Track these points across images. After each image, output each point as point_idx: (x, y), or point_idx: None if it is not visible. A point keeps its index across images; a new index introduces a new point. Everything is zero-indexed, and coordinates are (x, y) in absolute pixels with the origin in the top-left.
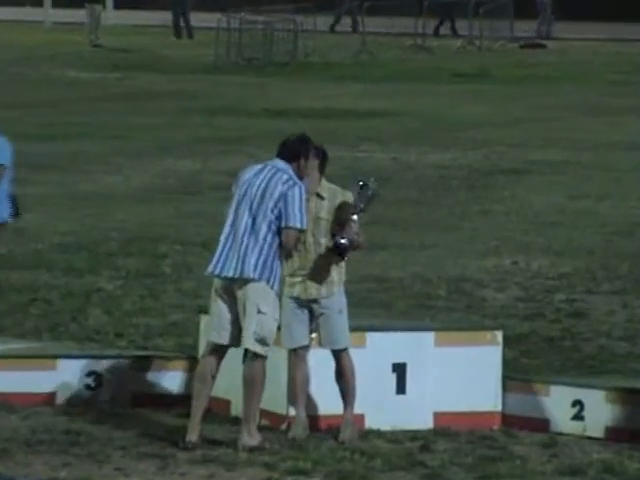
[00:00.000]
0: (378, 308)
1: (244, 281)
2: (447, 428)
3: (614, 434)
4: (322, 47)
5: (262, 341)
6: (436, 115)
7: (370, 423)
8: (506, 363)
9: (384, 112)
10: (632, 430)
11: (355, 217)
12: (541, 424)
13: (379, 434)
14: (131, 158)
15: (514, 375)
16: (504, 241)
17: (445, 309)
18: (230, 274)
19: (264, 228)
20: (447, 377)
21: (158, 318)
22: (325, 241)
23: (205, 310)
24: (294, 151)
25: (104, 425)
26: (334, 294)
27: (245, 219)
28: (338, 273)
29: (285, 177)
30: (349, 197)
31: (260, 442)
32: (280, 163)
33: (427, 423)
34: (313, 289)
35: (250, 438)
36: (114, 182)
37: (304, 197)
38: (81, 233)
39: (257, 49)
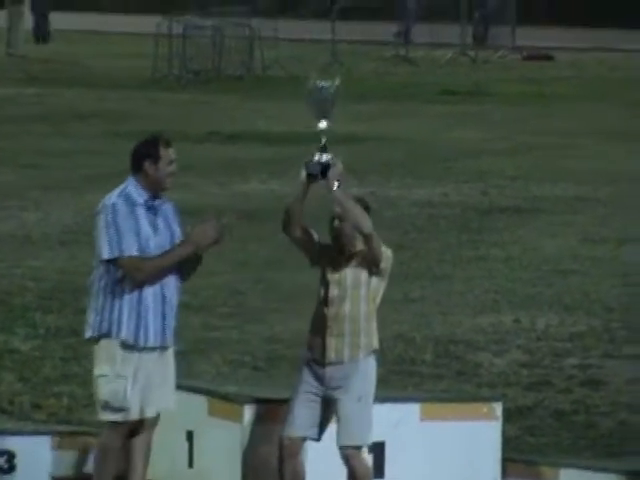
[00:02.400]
0: None
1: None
2: None
3: None
4: (284, 58)
5: (106, 406)
6: (422, 141)
7: None
8: (507, 442)
9: (359, 137)
10: None
11: (323, 125)
12: None
13: None
14: (50, 191)
15: (516, 456)
16: (504, 294)
17: (432, 376)
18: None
19: (94, 274)
20: (435, 458)
21: (84, 386)
22: (351, 293)
23: None
24: (136, 158)
25: None
26: (359, 360)
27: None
28: (366, 333)
29: (98, 208)
30: (388, 255)
31: None
32: (122, 186)
33: None
34: (332, 352)
35: None
36: (30, 220)
37: (110, 217)
38: None
39: (205, 60)
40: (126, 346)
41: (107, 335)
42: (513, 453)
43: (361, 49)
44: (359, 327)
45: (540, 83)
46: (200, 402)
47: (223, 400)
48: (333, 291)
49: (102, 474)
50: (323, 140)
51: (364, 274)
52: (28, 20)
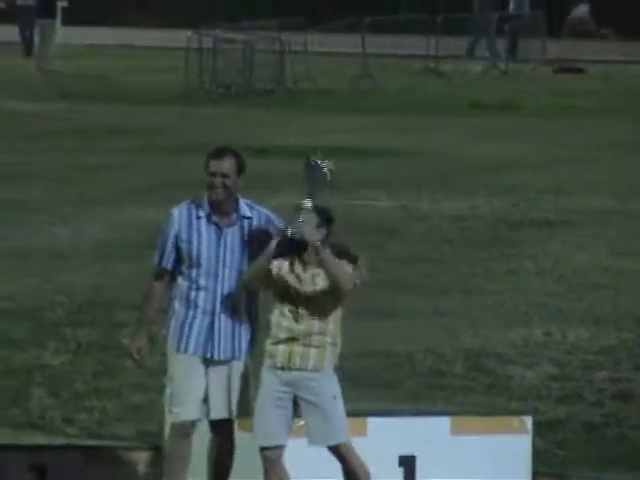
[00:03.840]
0: (382, 389)
1: None
2: None
3: None
4: (314, 72)
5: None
6: (452, 155)
7: None
8: (537, 455)
9: (389, 151)
10: None
11: (308, 204)
12: None
13: None
14: (82, 206)
15: (547, 470)
16: (535, 308)
17: (463, 390)
18: None
19: None
20: (465, 472)
21: (115, 400)
22: (320, 312)
23: None
24: None
25: None
26: (323, 369)
27: None
28: (332, 347)
29: None
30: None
31: None
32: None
33: None
34: (298, 357)
35: None
36: (61, 235)
37: (163, 225)
38: (21, 297)
39: (235, 74)
40: (174, 350)
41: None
42: (544, 467)
43: (391, 62)
44: (325, 341)
45: (571, 96)
46: None
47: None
48: (302, 309)
49: (170, 477)
50: (301, 217)
51: (331, 297)
52: (59, 35)
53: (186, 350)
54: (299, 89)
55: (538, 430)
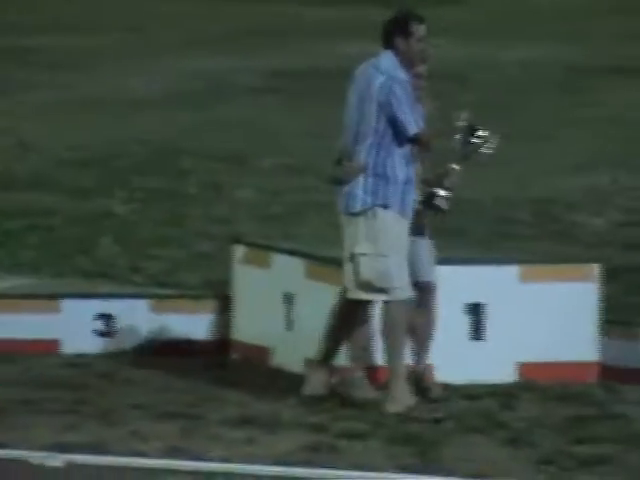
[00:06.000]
0: (449, 236)
1: (346, 217)
2: (533, 382)
3: None
4: None
5: (365, 286)
6: (521, 1)
7: (440, 376)
8: (605, 302)
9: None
10: None
11: (457, 167)
12: None
13: (451, 389)
14: (152, 56)
15: (615, 317)
16: (603, 154)
17: (530, 237)
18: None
19: (366, 144)
20: (534, 320)
21: (182, 249)
22: None
23: (238, 239)
24: (385, 32)
25: (117, 379)
26: None
27: (352, 136)
28: None
29: (380, 80)
30: None
31: (406, 408)
32: (381, 54)
33: (509, 376)
34: None
35: (392, 403)
36: (131, 85)
37: (403, 91)
38: (91, 146)
39: None
40: (397, 217)
41: (372, 207)
42: (611, 314)
43: None
44: None
45: None
46: (298, 265)
47: (321, 263)
48: None
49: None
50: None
51: None
52: None
53: (406, 216)
54: None
55: (606, 277)
